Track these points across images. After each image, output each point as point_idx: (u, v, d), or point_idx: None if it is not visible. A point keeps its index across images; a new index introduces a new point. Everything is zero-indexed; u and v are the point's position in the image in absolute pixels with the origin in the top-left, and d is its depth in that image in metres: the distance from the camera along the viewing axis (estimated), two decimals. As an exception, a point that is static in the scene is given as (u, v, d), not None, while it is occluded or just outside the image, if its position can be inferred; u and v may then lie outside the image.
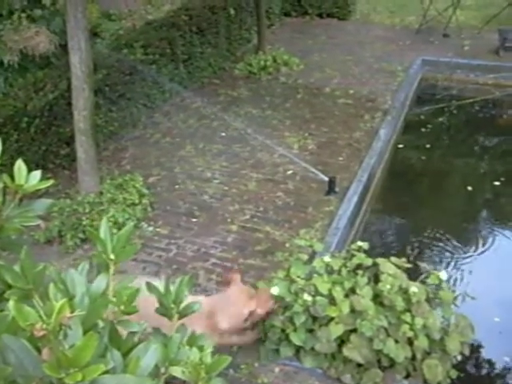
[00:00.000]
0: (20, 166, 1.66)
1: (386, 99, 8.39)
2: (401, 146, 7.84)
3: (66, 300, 1.15)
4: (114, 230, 1.68)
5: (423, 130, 8.28)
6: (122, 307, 1.56)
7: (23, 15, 6.81)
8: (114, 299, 1.55)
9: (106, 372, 1.17)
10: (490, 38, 10.36)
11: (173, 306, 1.81)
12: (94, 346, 1.13)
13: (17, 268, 1.44)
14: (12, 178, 1.62)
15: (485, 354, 4.65)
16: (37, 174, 1.69)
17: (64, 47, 6.18)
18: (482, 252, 5.89)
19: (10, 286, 1.42)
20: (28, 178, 1.67)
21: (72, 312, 1.20)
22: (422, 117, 8.65)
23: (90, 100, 5.57)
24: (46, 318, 1.12)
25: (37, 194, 1.57)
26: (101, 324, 1.43)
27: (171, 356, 1.58)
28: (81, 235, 5.36)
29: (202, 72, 9.11)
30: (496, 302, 5.13)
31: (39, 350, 1.15)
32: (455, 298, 4.14)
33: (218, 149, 7.13)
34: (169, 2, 11.41)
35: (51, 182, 1.73)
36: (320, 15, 12.17)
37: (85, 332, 1.24)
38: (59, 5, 7.26)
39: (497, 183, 6.92)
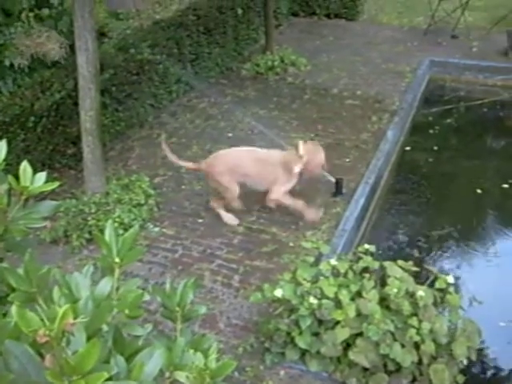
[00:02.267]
0: (25, 167, 1.65)
1: (394, 100, 8.36)
2: (408, 148, 7.79)
3: (68, 306, 1.14)
4: (120, 231, 1.69)
5: (431, 131, 8.23)
6: (127, 311, 1.54)
7: (31, 14, 6.82)
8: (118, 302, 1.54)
9: (110, 379, 1.15)
10: (498, 40, 10.29)
11: (177, 308, 1.80)
12: (98, 353, 1.12)
13: (21, 271, 1.42)
14: (18, 178, 1.61)
15: (492, 359, 4.62)
16: (42, 176, 1.67)
17: (71, 47, 6.18)
18: (490, 256, 5.85)
19: (13, 289, 1.41)
20: (33, 179, 1.66)
21: (76, 317, 1.18)
22: (430, 118, 8.61)
23: (97, 100, 5.56)
24: (49, 324, 1.10)
25: (43, 194, 1.56)
26: (105, 328, 1.42)
27: (176, 360, 1.56)
28: (86, 235, 5.35)
29: (209, 72, 9.09)
30: (502, 307, 5.09)
31: (42, 356, 1.13)
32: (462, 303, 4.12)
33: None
34: (176, 1, 11.40)
35: (57, 184, 1.72)
36: (328, 15, 12.13)
37: (88, 336, 1.23)
38: (67, 4, 7.26)
39: (505, 186, 6.87)
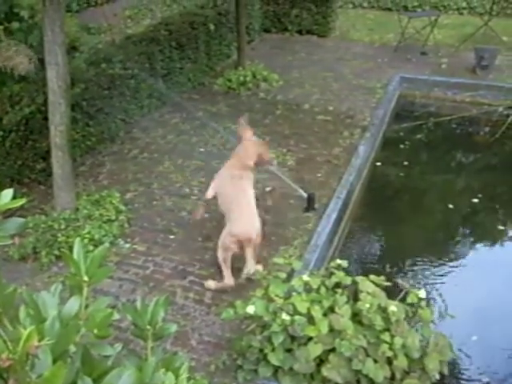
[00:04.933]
0: (-9, 184, 1.61)
1: (365, 116, 8.43)
2: (379, 163, 7.85)
3: (33, 328, 1.10)
4: (90, 247, 1.65)
5: (401, 146, 8.32)
6: (96, 330, 1.51)
7: (0, 27, 6.73)
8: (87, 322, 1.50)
9: (76, 402, 1.12)
10: (466, 57, 10.49)
11: (148, 327, 1.77)
12: (63, 376, 1.08)
13: (-15, 290, 1.38)
14: (-17, 196, 1.57)
15: (463, 373, 4.64)
16: (9, 193, 1.63)
17: (41, 61, 6.10)
18: (461, 269, 5.90)
19: (-23, 310, 1.37)
20: (0, 196, 1.62)
21: (41, 338, 1.15)
22: (401, 134, 8.70)
23: (67, 115, 5.50)
24: (12, 347, 1.07)
25: (11, 210, 1.55)
26: (73, 348, 1.38)
27: (146, 381, 1.53)
28: (56, 252, 5.25)
29: (182, 87, 9.08)
30: (474, 321, 5.13)
31: (5, 381, 1.10)
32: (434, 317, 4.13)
33: (196, 165, 7.09)
34: (148, 16, 11.42)
35: (24, 200, 1.68)
36: (300, 32, 12.24)
37: (54, 359, 1.19)
38: (37, 18, 7.19)
39: (475, 200, 6.96)
